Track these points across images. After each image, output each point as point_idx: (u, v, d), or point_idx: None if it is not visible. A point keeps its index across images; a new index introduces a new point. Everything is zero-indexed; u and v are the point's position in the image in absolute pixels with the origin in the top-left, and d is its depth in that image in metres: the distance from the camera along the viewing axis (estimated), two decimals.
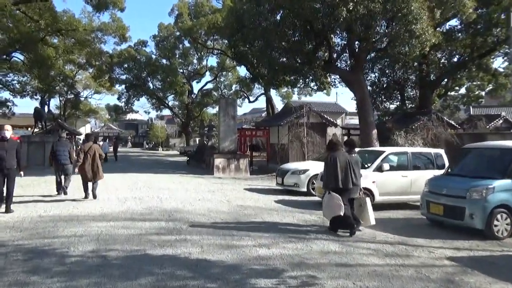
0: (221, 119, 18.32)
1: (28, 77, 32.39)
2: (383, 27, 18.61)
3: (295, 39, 19.11)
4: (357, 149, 13.87)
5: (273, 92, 38.28)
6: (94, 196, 9.53)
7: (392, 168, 9.21)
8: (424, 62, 23.15)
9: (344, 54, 22.17)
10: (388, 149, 9.72)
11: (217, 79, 44.12)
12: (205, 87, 44.51)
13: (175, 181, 14.37)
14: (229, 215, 7.86)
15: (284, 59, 20.71)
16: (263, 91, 35.47)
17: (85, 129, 59.03)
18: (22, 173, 8.36)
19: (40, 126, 22.73)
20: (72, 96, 43.13)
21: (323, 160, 7.69)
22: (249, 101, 40.46)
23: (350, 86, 21.32)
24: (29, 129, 23.34)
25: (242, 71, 69.18)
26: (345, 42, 20.84)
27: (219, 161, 17.74)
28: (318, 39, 19.58)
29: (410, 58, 19.99)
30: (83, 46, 26.98)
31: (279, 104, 41.57)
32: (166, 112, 57.31)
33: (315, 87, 25.43)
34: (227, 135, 18.32)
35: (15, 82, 31.48)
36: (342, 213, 6.24)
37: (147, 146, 59.18)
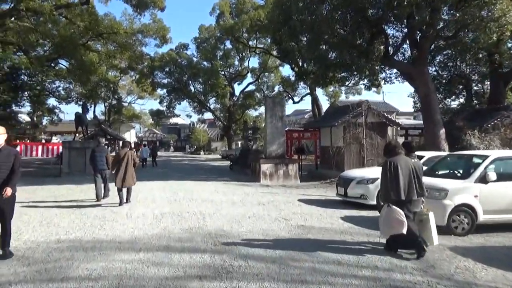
0: (268, 120, 16.59)
1: (73, 84, 32.67)
2: (451, 10, 16.16)
3: (347, 31, 17.02)
4: (433, 153, 11.69)
5: (319, 92, 36.20)
6: (128, 201, 9.65)
7: (500, 178, 6.99)
8: (496, 51, 20.17)
9: (402, 46, 19.74)
10: (494, 153, 7.48)
11: (259, 80, 42.65)
12: (246, 89, 43.30)
13: (219, 190, 12.79)
14: (292, 243, 6.03)
15: (335, 53, 18.69)
16: (309, 91, 33.36)
17: (129, 134, 59.83)
18: (8, 191, 5.05)
19: (82, 131, 22.20)
20: (116, 101, 43.43)
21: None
22: (294, 102, 38.51)
23: (411, 81, 18.86)
24: (78, 135, 23.05)
25: (286, 71, 67.54)
26: (405, 31, 18.44)
27: (266, 167, 16.01)
28: (374, 30, 17.39)
29: (484, 45, 17.27)
30: (124, 49, 26.44)
31: (324, 104, 39.24)
32: (208, 115, 56.74)
33: (368, 84, 23.20)
34: (275, 137, 16.56)
35: (60, 88, 31.73)
36: (404, 231, 5.22)
37: (189, 150, 58.78)
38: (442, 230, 6.79)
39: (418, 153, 10.69)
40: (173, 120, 68.69)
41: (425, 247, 5.41)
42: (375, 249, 5.73)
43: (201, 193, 11.98)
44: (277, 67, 41.99)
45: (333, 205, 9.93)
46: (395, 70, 21.16)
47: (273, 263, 4.94)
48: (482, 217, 6.91)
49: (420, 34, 16.54)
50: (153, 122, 60.19)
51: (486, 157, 7.28)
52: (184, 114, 55.94)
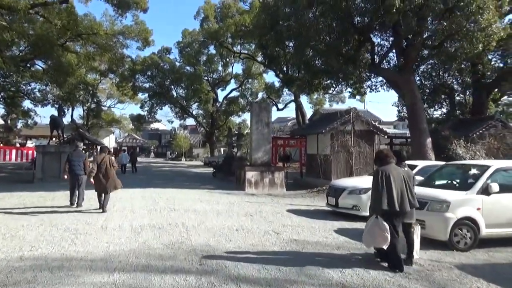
0: (254, 127, 16.06)
1: (50, 86, 31.42)
2: (437, 19, 16.15)
3: (334, 38, 16.77)
4: (426, 162, 11.39)
5: (303, 99, 36.02)
6: (104, 210, 9.20)
7: (502, 190, 6.64)
8: (479, 62, 20.34)
9: (388, 55, 19.67)
10: (495, 163, 7.14)
11: (243, 86, 42.22)
12: (230, 95, 42.76)
13: (202, 199, 12.12)
14: (287, 261, 5.45)
15: (321, 60, 18.39)
16: (293, 98, 33.06)
17: (109, 139, 58.27)
18: None
19: (58, 135, 21.11)
20: (95, 105, 42.14)
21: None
22: (278, 109, 38.13)
23: (397, 89, 18.80)
24: (54, 139, 21.86)
25: (269, 77, 67.52)
26: (392, 40, 18.37)
27: (251, 175, 15.43)
28: (361, 37, 17.23)
29: (469, 55, 17.30)
30: (104, 51, 25.51)
31: (308, 112, 38.96)
32: (190, 121, 55.94)
33: (354, 92, 22.99)
34: (260, 144, 16.03)
35: (36, 90, 30.42)
36: (385, 247, 5.10)
37: (170, 157, 57.58)
38: (443, 245, 6.39)
39: (411, 162, 10.37)
40: (154, 125, 67.40)
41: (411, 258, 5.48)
42: (378, 267, 5.23)
43: (184, 202, 11.30)
44: (261, 73, 41.67)
45: (323, 216, 9.42)
46: (380, 78, 21.05)
47: (269, 286, 4.36)
48: (484, 231, 6.53)
49: (406, 43, 16.43)
50: (133, 127, 58.81)
51: (487, 167, 6.92)
52: (165, 119, 54.92)
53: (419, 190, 7.26)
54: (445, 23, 14.64)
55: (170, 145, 60.62)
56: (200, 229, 7.36)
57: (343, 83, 20.01)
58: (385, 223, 5.09)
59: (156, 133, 76.38)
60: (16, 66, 24.86)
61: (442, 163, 10.59)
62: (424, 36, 16.51)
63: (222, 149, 43.04)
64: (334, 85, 22.36)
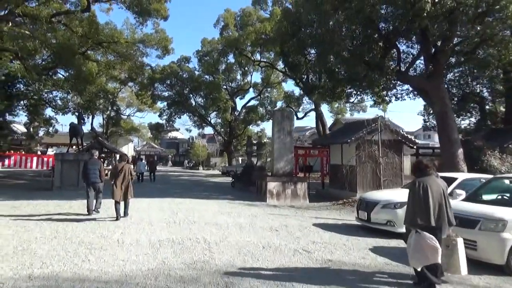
0: (275, 135, 15.47)
1: (71, 94, 31.69)
2: (470, 24, 15.33)
3: (358, 44, 16.17)
4: (468, 175, 10.54)
5: (324, 108, 35.34)
6: (125, 214, 9.50)
7: None
8: None
9: (415, 62, 18.93)
10: None
11: (261, 95, 41.81)
12: (248, 104, 42.37)
13: (222, 211, 11.56)
14: (324, 285, 4.80)
15: (345, 67, 17.74)
16: (313, 107, 32.36)
17: (127, 148, 58.64)
18: None
19: (77, 143, 21.00)
20: (114, 113, 42.40)
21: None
22: (297, 118, 37.43)
23: (425, 97, 17.92)
24: (74, 147, 21.76)
25: (288, 86, 66.90)
26: (419, 47, 17.66)
27: (273, 185, 14.80)
28: (387, 44, 16.58)
29: (504, 62, 16.40)
30: (124, 59, 25.54)
31: (327, 121, 38.10)
32: (208, 130, 55.77)
33: (378, 100, 22.17)
34: (282, 154, 15.41)
35: (57, 98, 30.66)
36: (439, 260, 4.63)
37: (187, 165, 57.45)
38: (499, 270, 5.61)
39: (449, 174, 9.57)
40: (172, 134, 67.76)
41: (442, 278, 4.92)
42: None
43: (204, 214, 10.75)
44: (280, 82, 41.21)
45: (354, 231, 8.71)
46: (406, 86, 20.27)
47: None
48: None
49: (435, 49, 15.65)
50: (151, 136, 59.09)
51: None
52: (183, 128, 54.94)
53: (466, 206, 6.53)
54: (478, 28, 13.87)
55: (188, 154, 60.61)
56: (223, 246, 6.77)
57: (367, 91, 19.29)
58: (429, 234, 4.67)
59: (174, 141, 76.68)
60: (38, 74, 25.10)
61: (483, 175, 9.77)
62: (455, 42, 15.74)
63: (240, 159, 42.56)
64: (358, 93, 21.67)
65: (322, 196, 16.85)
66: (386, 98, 21.33)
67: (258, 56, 35.88)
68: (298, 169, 20.11)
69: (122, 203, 9.44)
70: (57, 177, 17.96)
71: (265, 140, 39.46)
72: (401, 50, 17.87)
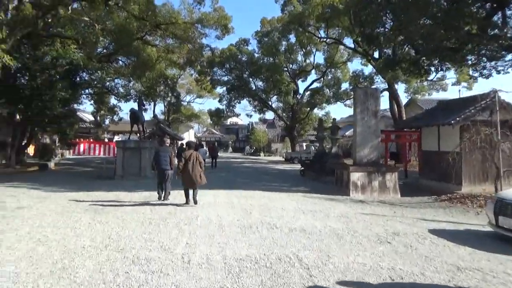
0: (358, 117, 13.03)
1: (132, 81, 31.46)
2: None
3: (455, 6, 13.08)
4: None
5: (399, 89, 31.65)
6: (195, 202, 9.65)
7: None
8: None
9: None
10: None
11: (324, 77, 38.91)
12: (311, 86, 39.68)
13: (303, 208, 9.52)
14: None
15: (442, 32, 14.61)
16: (387, 86, 28.94)
17: (188, 134, 58.86)
18: None
19: (138, 130, 20.12)
20: (174, 99, 42.06)
21: None
22: None
23: None
24: (137, 135, 21.07)
25: (355, 65, 62.66)
26: None
27: (357, 176, 12.47)
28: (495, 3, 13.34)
29: None
30: (183, 41, 24.26)
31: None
32: (269, 115, 54.03)
33: (475, 74, 18.59)
34: (367, 139, 12.96)
35: (119, 86, 30.47)
36: None
37: (248, 152, 56.22)
38: None
39: None
40: (231, 120, 67.02)
41: None
42: None
43: (282, 213, 8.78)
44: (345, 62, 37.99)
45: (498, 246, 6.21)
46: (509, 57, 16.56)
47: None
48: None
49: None
50: (211, 122, 58.63)
51: None
52: (244, 113, 53.67)
53: None
54: None
55: (248, 139, 59.40)
56: (330, 273, 4.68)
57: (468, 61, 15.93)
58: None
59: (233, 127, 76.07)
60: (100, 62, 24.74)
61: None
62: None
63: (304, 144, 40.16)
64: (442, 68, 18.30)
65: (412, 189, 14.17)
66: (485, 71, 17.76)
67: (321, 34, 33.02)
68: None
69: (191, 191, 9.62)
70: (119, 166, 17.10)
71: (329, 125, 36.68)
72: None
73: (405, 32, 15.50)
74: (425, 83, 31.10)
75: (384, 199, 11.92)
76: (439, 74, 27.89)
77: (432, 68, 17.00)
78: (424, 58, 16.17)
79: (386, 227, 7.50)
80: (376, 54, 29.07)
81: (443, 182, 13.10)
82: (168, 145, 11.42)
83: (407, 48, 19.62)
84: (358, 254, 5.51)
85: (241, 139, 71.43)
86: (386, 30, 19.28)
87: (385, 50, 24.15)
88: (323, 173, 16.75)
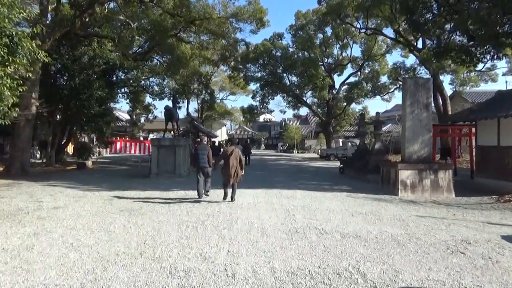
0: (407, 110, 11.98)
1: (166, 79, 31.55)
2: None
3: None
4: None
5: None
6: (232, 199, 9.69)
7: None
8: None
9: None
10: None
11: (361, 70, 37.42)
12: (347, 80, 38.31)
13: (351, 210, 8.71)
14: None
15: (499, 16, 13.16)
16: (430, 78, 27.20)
17: (221, 131, 58.98)
18: None
19: (173, 128, 19.88)
20: (208, 97, 41.97)
21: None
22: None
23: None
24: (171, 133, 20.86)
25: (393, 58, 60.04)
26: None
27: (406, 175, 11.47)
28: None
29: None
30: (217, 36, 23.85)
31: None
32: (303, 111, 52.94)
33: None
34: (417, 134, 11.90)
35: (154, 84, 30.63)
36: None
37: (281, 149, 55.44)
38: None
39: None
40: (264, 117, 66.45)
41: None
42: None
43: (329, 215, 8.02)
44: (383, 54, 36.33)
45: None
46: None
47: None
48: None
49: None
50: (243, 119, 58.31)
51: None
52: (278, 109, 53.00)
53: None
54: None
55: (281, 136, 58.63)
56: None
57: None
58: None
59: (265, 124, 75.50)
60: (135, 60, 24.83)
61: None
62: None
63: (340, 140, 38.90)
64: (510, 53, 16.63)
65: (466, 188, 12.97)
66: None
67: (360, 25, 31.68)
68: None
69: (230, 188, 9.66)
70: (154, 164, 16.87)
71: (367, 120, 35.24)
72: None
73: (457, 18, 14.19)
74: (472, 74, 29.04)
75: (437, 199, 10.87)
76: (488, 64, 26.02)
77: (488, 56, 15.52)
78: (477, 45, 14.76)
79: (451, 233, 6.58)
80: (419, 44, 27.49)
81: (504, 181, 11.83)
82: (205, 143, 11.46)
83: (456, 36, 18.06)
84: (430, 267, 4.67)
85: (273, 136, 70.76)
86: (435, 15, 17.88)
87: (430, 39, 22.52)
88: (365, 171, 15.77)
